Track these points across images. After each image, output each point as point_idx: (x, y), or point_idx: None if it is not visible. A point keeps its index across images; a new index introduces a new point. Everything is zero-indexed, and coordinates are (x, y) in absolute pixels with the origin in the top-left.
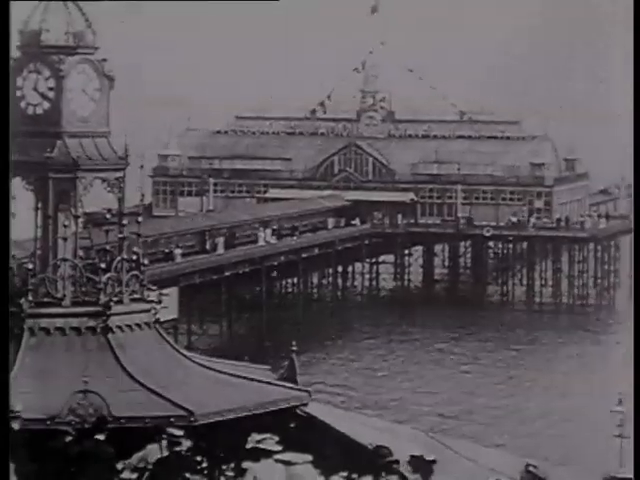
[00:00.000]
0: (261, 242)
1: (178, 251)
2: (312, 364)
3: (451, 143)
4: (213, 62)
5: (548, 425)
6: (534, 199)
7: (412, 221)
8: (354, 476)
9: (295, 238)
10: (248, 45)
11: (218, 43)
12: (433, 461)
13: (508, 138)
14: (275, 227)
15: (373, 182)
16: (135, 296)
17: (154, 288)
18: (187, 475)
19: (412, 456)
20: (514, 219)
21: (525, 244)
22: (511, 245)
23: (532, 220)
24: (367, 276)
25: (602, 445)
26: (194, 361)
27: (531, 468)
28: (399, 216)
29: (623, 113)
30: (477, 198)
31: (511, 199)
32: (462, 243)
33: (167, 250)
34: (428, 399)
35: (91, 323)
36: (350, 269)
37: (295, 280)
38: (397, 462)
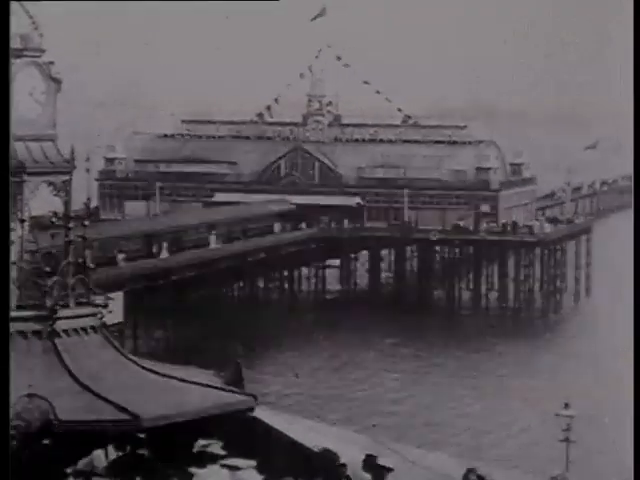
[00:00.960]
0: (213, 245)
1: (121, 255)
2: (257, 366)
3: (397, 147)
4: (160, 65)
5: (488, 429)
6: (480, 203)
7: (358, 225)
8: None
9: (241, 242)
10: (196, 48)
11: (166, 46)
12: (389, 468)
13: (454, 142)
14: (221, 231)
15: (319, 186)
16: (81, 300)
17: (100, 292)
18: None
19: (367, 455)
20: (460, 223)
21: (471, 248)
22: (457, 249)
23: (485, 225)
24: (313, 280)
25: (545, 450)
26: (140, 365)
27: (472, 476)
28: (345, 220)
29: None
30: (423, 202)
31: (457, 203)
32: (408, 247)
33: (112, 254)
34: (366, 398)
35: (37, 327)
36: (296, 273)
37: (241, 284)
38: (344, 466)
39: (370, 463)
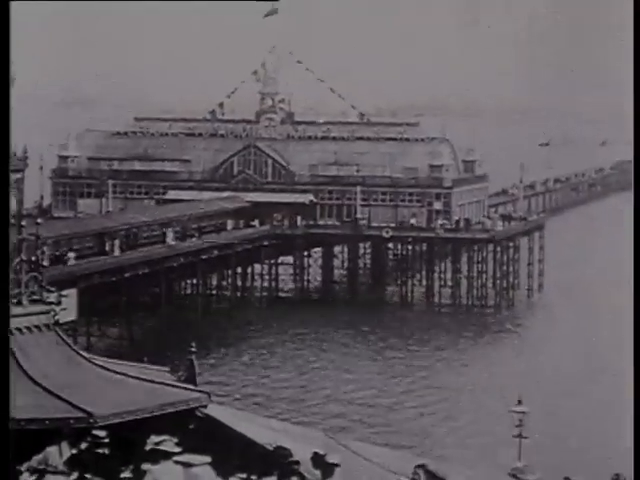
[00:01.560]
0: (166, 243)
1: (72, 254)
2: (211, 365)
3: (350, 145)
4: (113, 64)
5: (433, 423)
6: (433, 200)
7: (311, 222)
8: (253, 477)
9: (194, 240)
10: (150, 46)
11: (119, 45)
12: (336, 464)
13: (407, 140)
14: (174, 229)
15: (272, 183)
16: (34, 297)
17: (53, 290)
18: (87, 476)
19: (315, 453)
20: (413, 220)
21: (424, 245)
22: (410, 246)
23: (438, 222)
24: (266, 277)
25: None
26: (93, 363)
27: (420, 470)
28: (298, 217)
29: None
30: (376, 200)
31: (410, 200)
32: (361, 244)
33: (64, 252)
34: (310, 395)
35: None
36: (249, 270)
37: (194, 281)
38: (297, 463)
39: (318, 460)
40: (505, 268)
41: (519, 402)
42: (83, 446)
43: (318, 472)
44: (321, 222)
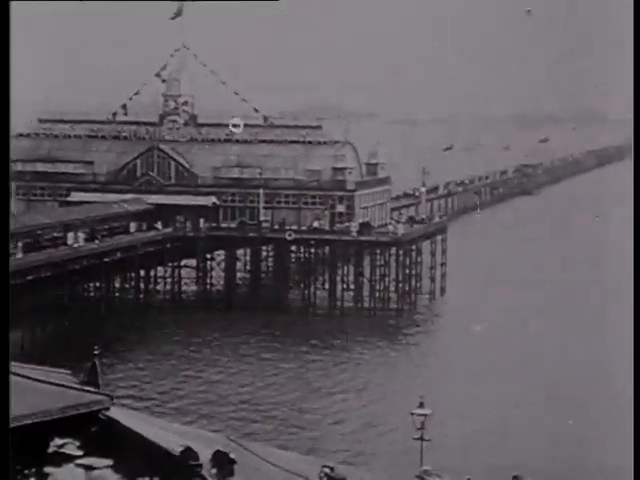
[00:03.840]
0: (69, 245)
1: None
2: (111, 368)
3: (253, 147)
4: (16, 64)
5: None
6: (336, 203)
7: (214, 225)
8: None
9: (97, 242)
10: (53, 47)
11: (21, 45)
12: (233, 461)
13: (310, 142)
14: (78, 231)
15: (175, 186)
16: None
17: None
18: None
19: (217, 451)
20: (316, 223)
21: (327, 248)
22: (313, 249)
23: (340, 225)
24: (169, 280)
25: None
26: None
27: (327, 470)
28: (201, 220)
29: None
30: (279, 202)
31: (313, 203)
32: (264, 247)
33: None
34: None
35: None
36: (152, 273)
37: (97, 284)
38: (201, 466)
39: (217, 459)
40: (407, 271)
41: (421, 404)
42: None
43: (217, 471)
44: (224, 225)
